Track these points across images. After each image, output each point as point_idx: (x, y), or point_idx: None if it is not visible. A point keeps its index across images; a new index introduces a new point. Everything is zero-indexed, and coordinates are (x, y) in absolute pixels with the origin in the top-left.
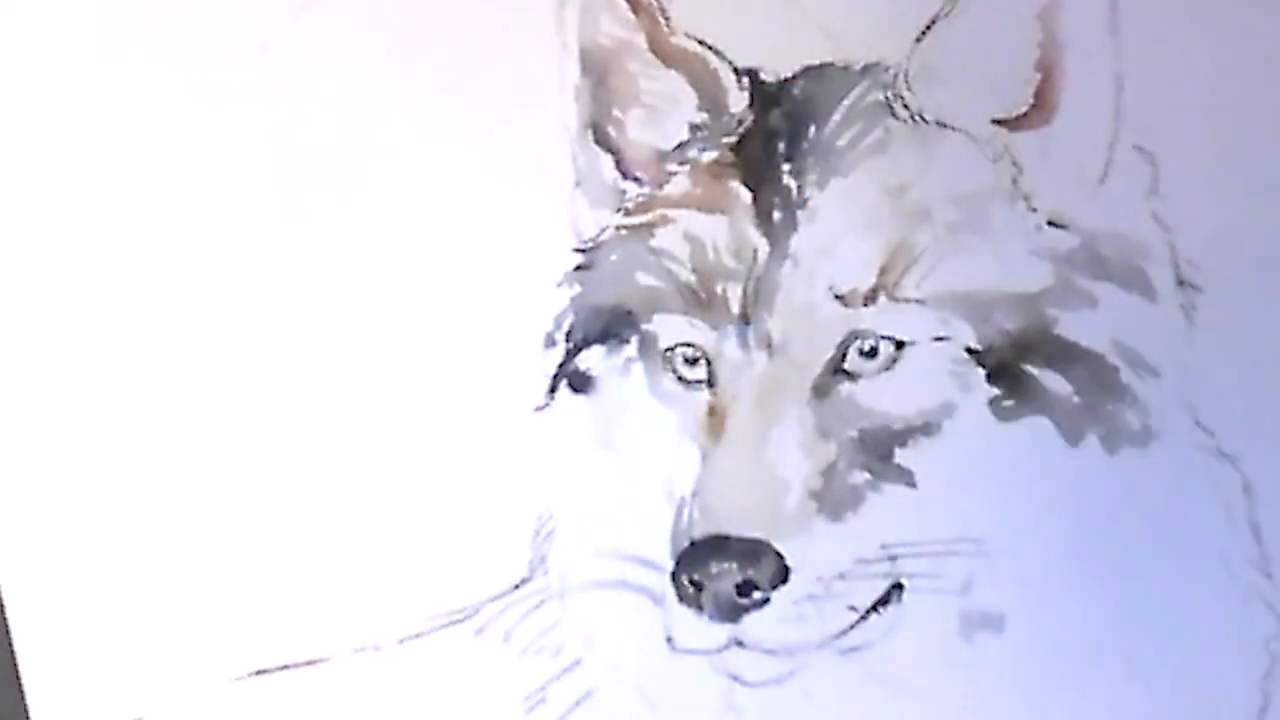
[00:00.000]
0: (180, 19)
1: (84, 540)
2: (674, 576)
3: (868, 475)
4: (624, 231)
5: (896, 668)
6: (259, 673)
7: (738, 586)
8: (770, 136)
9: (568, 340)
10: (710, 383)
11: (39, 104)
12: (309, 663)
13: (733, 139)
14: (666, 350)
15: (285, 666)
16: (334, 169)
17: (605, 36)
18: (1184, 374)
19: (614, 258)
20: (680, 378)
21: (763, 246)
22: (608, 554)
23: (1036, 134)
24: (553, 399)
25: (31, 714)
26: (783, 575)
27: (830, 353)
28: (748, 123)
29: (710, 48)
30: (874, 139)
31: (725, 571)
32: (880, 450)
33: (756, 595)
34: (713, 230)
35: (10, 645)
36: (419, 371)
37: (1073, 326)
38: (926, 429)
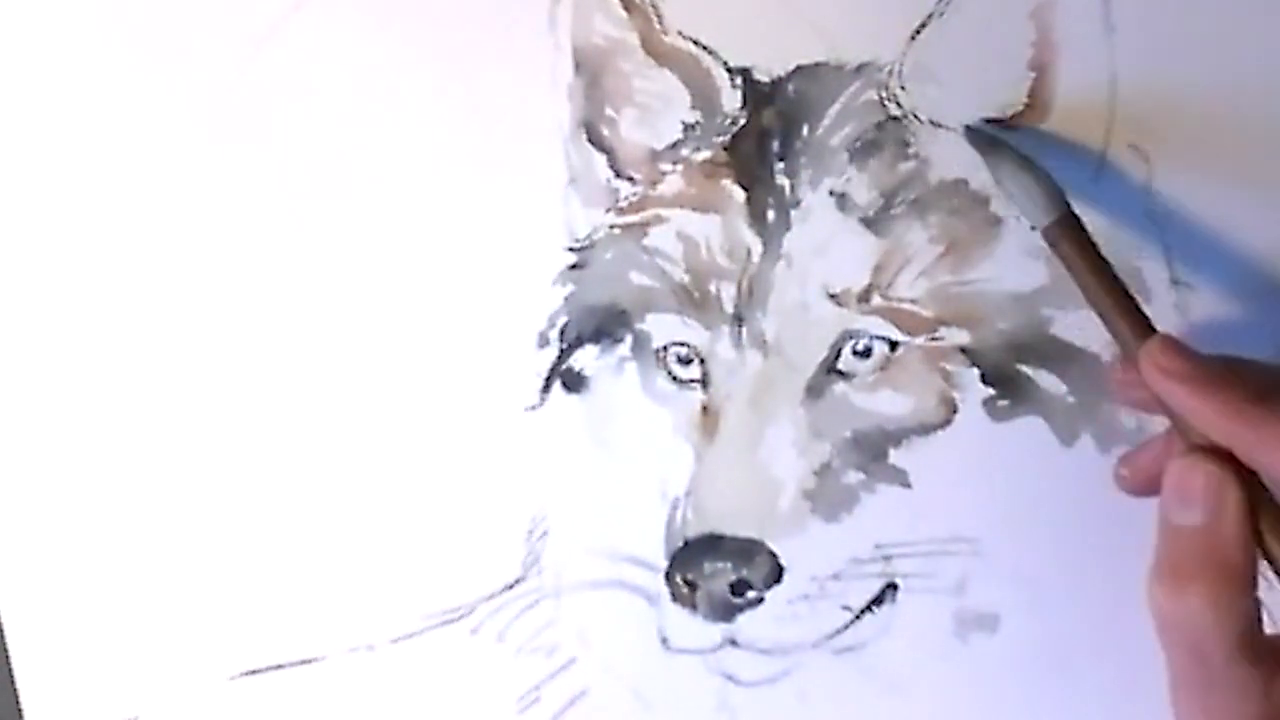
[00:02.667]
0: (172, 16)
1: (78, 540)
2: (668, 576)
3: (862, 475)
4: (617, 230)
5: (891, 667)
6: (253, 672)
7: (732, 586)
8: (763, 136)
9: (561, 339)
10: (704, 382)
11: (29, 100)
12: (303, 662)
13: (726, 138)
14: (660, 350)
15: (279, 666)
16: (326, 168)
17: (598, 36)
18: None
19: (607, 257)
20: (674, 377)
21: (756, 246)
22: (602, 553)
23: (1031, 133)
24: (546, 398)
25: (25, 713)
26: (777, 575)
27: (824, 353)
28: (741, 122)
29: (703, 47)
30: (867, 138)
31: (719, 571)
32: (874, 450)
33: (750, 595)
34: (706, 229)
35: (4, 644)
36: (412, 370)
37: (1068, 326)
38: (921, 429)
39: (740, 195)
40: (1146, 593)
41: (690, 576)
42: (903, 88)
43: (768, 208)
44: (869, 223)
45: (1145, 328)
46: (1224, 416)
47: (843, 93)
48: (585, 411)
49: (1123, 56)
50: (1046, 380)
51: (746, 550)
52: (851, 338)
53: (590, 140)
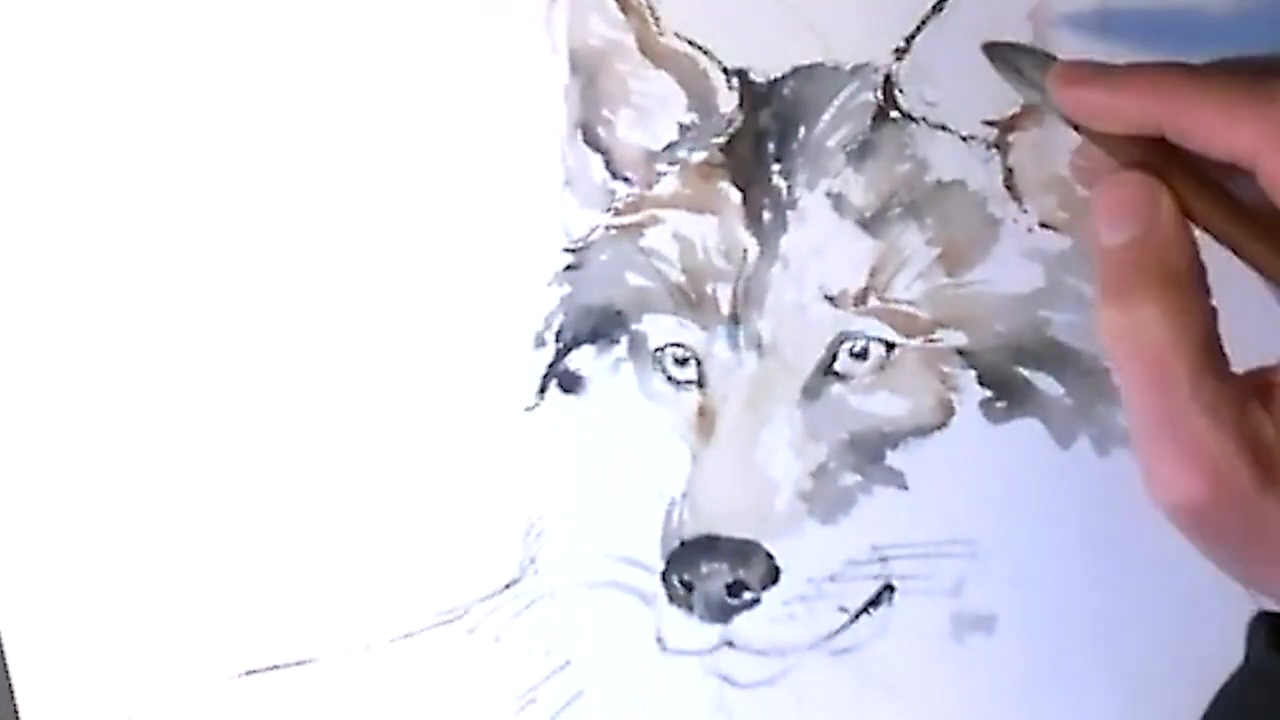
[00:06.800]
0: (167, 17)
1: (74, 541)
2: (664, 577)
3: (858, 477)
4: (613, 231)
5: (888, 669)
6: (249, 673)
7: (728, 587)
8: (760, 137)
9: (557, 340)
10: (700, 383)
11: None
12: (299, 663)
13: (722, 139)
14: (656, 350)
15: (275, 667)
16: (322, 169)
17: (594, 37)
18: None
19: (604, 258)
20: (670, 378)
21: (752, 247)
22: (598, 554)
23: (1028, 135)
24: (542, 399)
25: (21, 715)
26: (773, 576)
27: (820, 354)
28: (737, 123)
29: (699, 48)
30: (864, 140)
31: (715, 572)
32: (871, 452)
33: (747, 595)
34: (702, 230)
35: (1, 649)
36: (408, 371)
37: (1065, 328)
38: (918, 431)
39: (737, 196)
40: (1096, 322)
41: (687, 577)
42: (900, 89)
43: (764, 209)
44: (866, 224)
45: None
46: (1147, 93)
47: (839, 94)
48: (582, 412)
49: (1120, 57)
50: (1044, 382)
51: (743, 551)
52: (848, 339)
53: (587, 141)
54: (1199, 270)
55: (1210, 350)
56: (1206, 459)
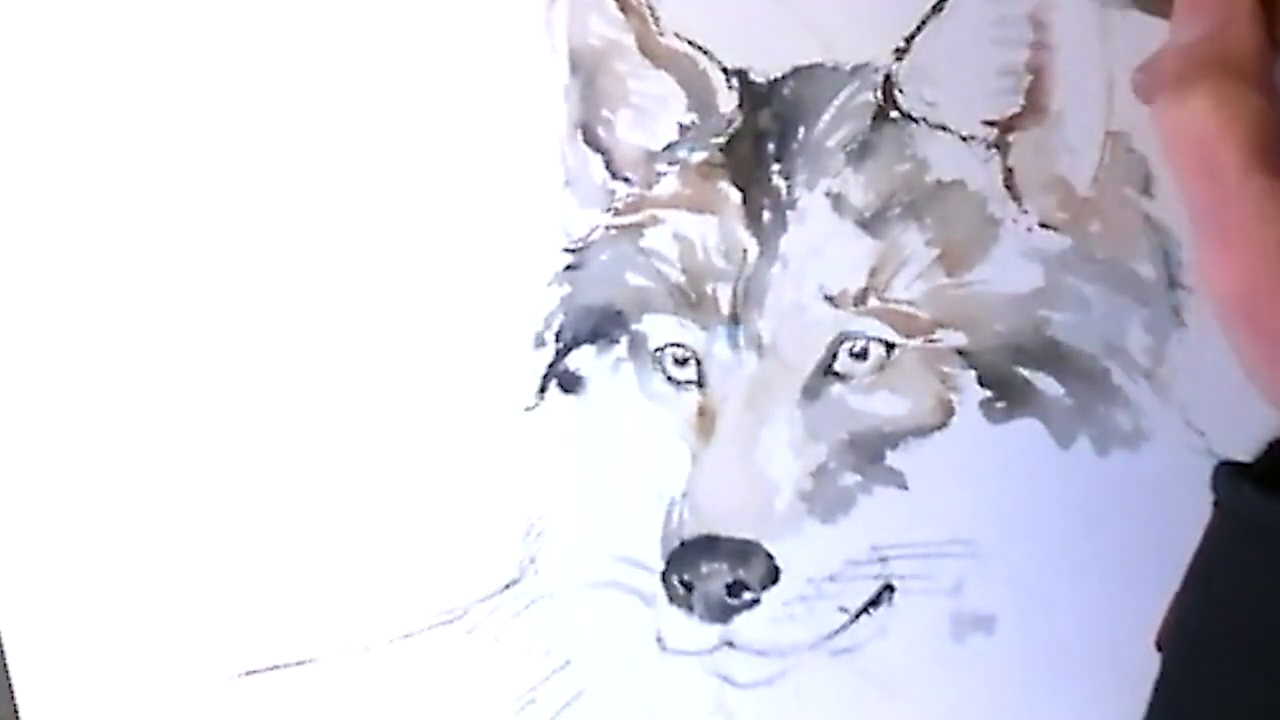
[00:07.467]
0: (168, 17)
1: (74, 542)
2: (664, 577)
3: (858, 477)
4: (613, 231)
5: (888, 669)
6: (249, 673)
7: (728, 587)
8: (760, 137)
9: (557, 340)
10: (700, 383)
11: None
12: (299, 663)
13: (722, 139)
14: (656, 350)
15: (275, 667)
16: (321, 169)
17: (594, 37)
18: (1175, 375)
19: (603, 258)
20: (670, 378)
21: (752, 247)
22: (598, 554)
23: (1027, 135)
24: (542, 399)
25: (21, 715)
26: (773, 576)
27: (820, 354)
28: (737, 123)
29: (699, 48)
30: (864, 140)
31: (715, 572)
32: (871, 452)
33: (746, 596)
34: (702, 230)
35: (0, 648)
36: (409, 371)
37: (1064, 328)
38: (918, 431)
39: (736, 196)
40: (1152, 116)
41: (687, 577)
42: (900, 89)
43: (764, 209)
44: (865, 224)
45: None
46: None
47: (839, 94)
48: (582, 412)
49: (1120, 58)
50: (1044, 382)
51: (743, 551)
52: (848, 339)
53: (587, 141)
54: (1266, 73)
55: (1263, 145)
56: (1249, 251)
